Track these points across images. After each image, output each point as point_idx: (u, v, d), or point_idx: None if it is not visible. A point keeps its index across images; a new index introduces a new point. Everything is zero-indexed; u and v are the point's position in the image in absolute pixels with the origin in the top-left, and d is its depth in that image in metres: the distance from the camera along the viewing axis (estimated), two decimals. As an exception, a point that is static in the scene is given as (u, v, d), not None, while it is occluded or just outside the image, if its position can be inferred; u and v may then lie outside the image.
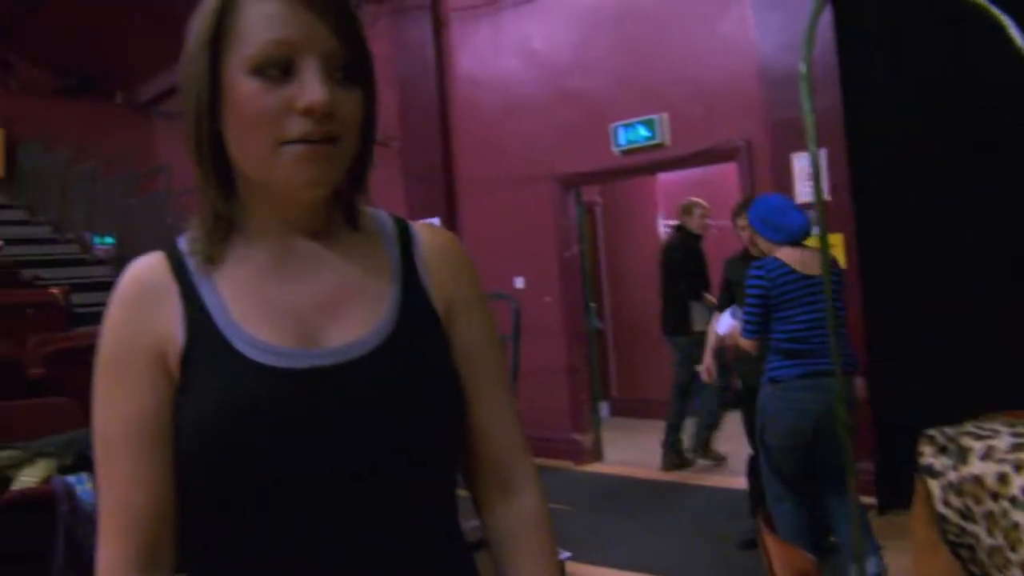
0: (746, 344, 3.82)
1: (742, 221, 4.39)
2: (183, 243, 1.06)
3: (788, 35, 5.38)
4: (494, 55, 7.21)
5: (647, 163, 6.34)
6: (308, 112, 0.92)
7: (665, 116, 6.11)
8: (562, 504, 5.47)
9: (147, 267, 1.04)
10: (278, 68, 0.93)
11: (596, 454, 6.97)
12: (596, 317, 7.61)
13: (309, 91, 0.92)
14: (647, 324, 8.46)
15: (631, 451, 7.12)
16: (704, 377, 4.96)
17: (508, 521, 1.11)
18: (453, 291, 1.10)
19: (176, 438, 0.98)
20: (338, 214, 1.08)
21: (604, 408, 7.97)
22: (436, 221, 7.20)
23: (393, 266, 1.08)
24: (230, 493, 0.95)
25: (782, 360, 3.67)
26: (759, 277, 3.69)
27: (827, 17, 5.17)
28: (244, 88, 0.94)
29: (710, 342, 4.87)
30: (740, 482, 4.91)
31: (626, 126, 6.26)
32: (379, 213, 1.14)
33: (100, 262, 9.54)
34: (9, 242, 9.01)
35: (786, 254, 3.72)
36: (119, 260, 9.38)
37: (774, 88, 5.47)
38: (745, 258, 4.41)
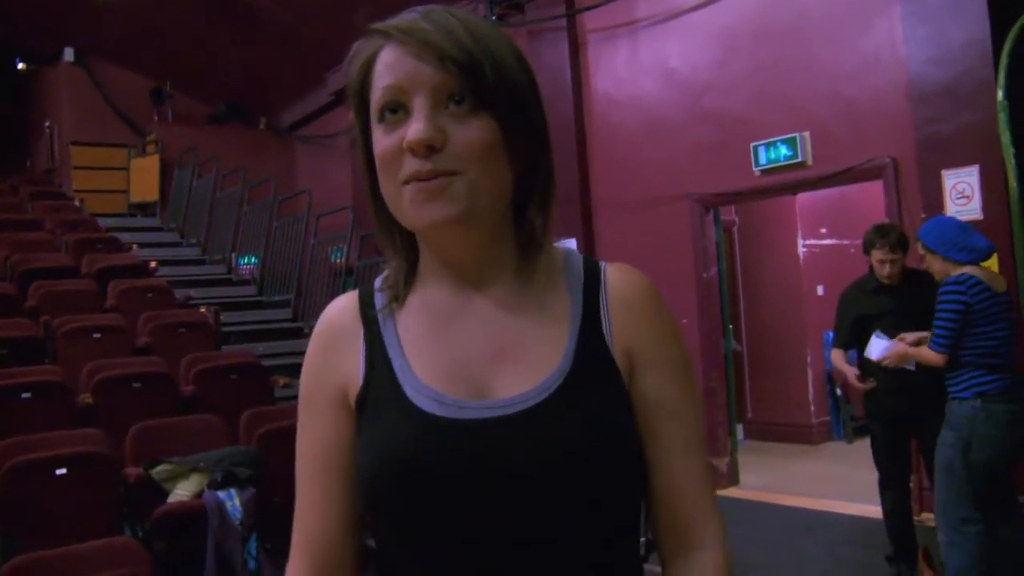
0: (936, 358, 3.78)
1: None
2: (378, 282, 1.10)
3: (939, 49, 5.21)
4: (631, 75, 7.19)
5: (789, 183, 6.19)
6: (409, 150, 0.92)
7: (807, 134, 5.97)
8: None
9: (339, 309, 1.11)
10: (392, 112, 0.95)
11: (732, 478, 6.83)
12: (734, 339, 7.47)
13: (410, 129, 0.93)
14: (783, 345, 8.30)
15: (767, 475, 6.97)
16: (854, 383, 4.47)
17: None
18: (636, 341, 1.03)
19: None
20: (515, 257, 1.04)
21: (739, 431, 7.82)
22: (572, 243, 7.21)
23: (573, 313, 1.03)
24: (393, 537, 0.99)
25: (987, 374, 3.69)
26: (960, 293, 3.71)
27: (984, 29, 4.99)
28: (375, 136, 0.98)
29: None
30: (874, 511, 4.78)
31: (767, 145, 6.15)
32: (571, 253, 1.10)
33: (244, 282, 9.90)
34: (162, 263, 9.43)
35: (972, 272, 3.76)
36: (262, 279, 9.76)
37: (923, 104, 5.30)
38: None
